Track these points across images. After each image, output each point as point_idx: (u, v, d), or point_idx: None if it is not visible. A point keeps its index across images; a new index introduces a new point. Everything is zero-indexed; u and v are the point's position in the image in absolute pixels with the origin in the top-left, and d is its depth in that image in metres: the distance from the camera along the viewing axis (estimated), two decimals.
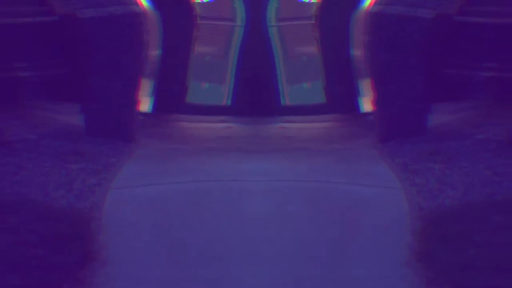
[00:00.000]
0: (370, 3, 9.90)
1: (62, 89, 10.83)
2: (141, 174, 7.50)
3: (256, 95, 10.80)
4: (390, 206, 6.47)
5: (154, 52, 10.40)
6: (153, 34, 10.04)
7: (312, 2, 11.10)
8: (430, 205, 6.47)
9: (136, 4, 9.60)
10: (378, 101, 9.83)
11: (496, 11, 10.58)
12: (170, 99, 10.93)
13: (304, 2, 11.21)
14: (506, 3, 10.47)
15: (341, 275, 4.74)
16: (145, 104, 10.22)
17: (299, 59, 11.30)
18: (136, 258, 5.18)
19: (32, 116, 10.08)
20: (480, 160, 7.81)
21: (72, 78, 10.54)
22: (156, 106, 10.76)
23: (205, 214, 6.10)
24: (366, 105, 10.56)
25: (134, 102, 9.61)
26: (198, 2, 10.96)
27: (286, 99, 10.96)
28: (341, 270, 4.86)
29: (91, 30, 9.46)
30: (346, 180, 7.20)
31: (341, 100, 11.07)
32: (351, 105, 10.95)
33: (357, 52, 10.55)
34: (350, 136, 10.17)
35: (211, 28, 11.00)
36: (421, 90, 9.49)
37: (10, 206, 6.13)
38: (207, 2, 11.04)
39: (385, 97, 9.66)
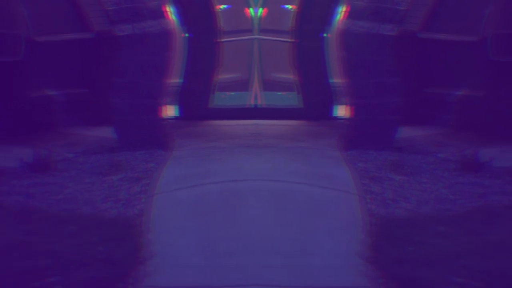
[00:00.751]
0: (341, 18, 10.17)
1: (90, 105, 11.19)
2: (182, 177, 7.89)
3: None
4: (345, 209, 6.83)
5: (180, 64, 10.82)
6: (179, 48, 10.43)
7: (292, 11, 11.50)
8: (381, 212, 6.79)
9: (167, 21, 9.89)
10: (351, 108, 9.98)
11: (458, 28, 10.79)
12: (196, 105, 11.50)
13: (287, 9, 11.67)
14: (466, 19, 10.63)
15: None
16: (172, 110, 10.69)
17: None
18: (179, 251, 5.82)
19: (64, 136, 10.40)
20: (439, 178, 8.06)
21: (101, 95, 10.86)
22: (183, 111, 11.31)
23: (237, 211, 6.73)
24: (340, 110, 10.93)
25: (162, 110, 9.83)
26: (219, 10, 11.39)
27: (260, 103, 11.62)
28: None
29: (125, 46, 9.67)
30: (308, 182, 7.57)
31: (317, 105, 11.49)
32: (326, 111, 11.36)
33: (333, 66, 10.85)
34: (319, 136, 10.42)
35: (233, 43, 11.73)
36: (392, 103, 9.68)
37: (62, 219, 6.55)
38: (225, 8, 11.51)
39: (357, 105, 9.86)
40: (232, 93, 11.79)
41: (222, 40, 11.32)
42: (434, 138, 10.11)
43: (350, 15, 9.79)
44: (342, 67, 9.86)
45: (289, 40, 11.41)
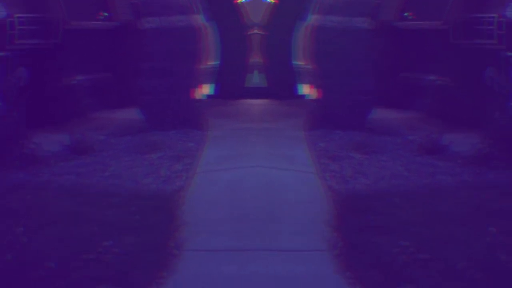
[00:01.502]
0: (314, 13, 10.61)
1: (115, 89, 11.84)
2: (221, 158, 8.46)
3: None
4: (306, 187, 7.32)
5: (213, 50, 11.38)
6: (210, 40, 10.95)
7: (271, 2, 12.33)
8: (341, 188, 7.29)
9: (195, 16, 10.37)
10: (318, 90, 10.44)
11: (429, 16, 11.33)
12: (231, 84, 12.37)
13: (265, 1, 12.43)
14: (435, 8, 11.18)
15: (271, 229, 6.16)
16: (207, 89, 11.28)
17: None
18: (210, 220, 6.33)
19: (91, 119, 10.97)
20: (399, 157, 8.65)
21: (126, 79, 11.52)
22: (219, 90, 12.07)
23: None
24: (305, 89, 11.44)
25: (192, 90, 10.25)
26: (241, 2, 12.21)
27: None
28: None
29: (151, 38, 10.19)
30: (269, 165, 8.09)
31: (281, 85, 12.32)
32: (290, 90, 12.16)
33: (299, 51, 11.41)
34: (286, 116, 11.12)
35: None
36: (362, 86, 10.18)
37: (108, 193, 7.09)
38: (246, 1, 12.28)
39: (326, 87, 10.29)
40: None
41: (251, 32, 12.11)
42: (408, 122, 10.66)
43: (323, 10, 10.25)
44: (312, 56, 10.33)
45: (261, 33, 12.18)
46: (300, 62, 11.08)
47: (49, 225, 6.14)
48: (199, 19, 10.47)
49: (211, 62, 11.11)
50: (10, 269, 5.21)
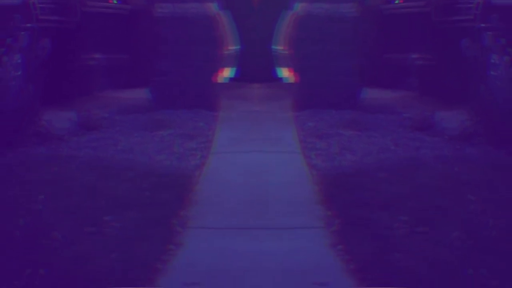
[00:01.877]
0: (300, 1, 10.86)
1: (129, 72, 12.14)
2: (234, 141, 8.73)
3: None
4: (292, 167, 7.53)
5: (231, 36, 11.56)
6: (226, 27, 11.20)
7: None
8: (327, 165, 7.47)
9: (208, 5, 10.62)
10: (302, 72, 10.72)
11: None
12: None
13: None
14: None
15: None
16: (228, 72, 11.43)
17: None
18: (221, 201, 6.51)
19: (96, 98, 11.27)
20: (390, 133, 8.95)
21: (140, 62, 11.82)
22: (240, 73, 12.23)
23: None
24: (284, 72, 11.59)
25: (204, 76, 10.57)
26: None
27: None
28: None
29: (164, 24, 10.49)
30: (256, 149, 8.32)
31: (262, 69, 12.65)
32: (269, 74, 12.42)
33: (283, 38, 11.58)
34: (274, 98, 11.46)
35: None
36: (352, 65, 10.50)
37: (122, 167, 7.33)
38: None
39: (310, 68, 10.59)
40: None
41: None
42: (401, 100, 11.04)
43: None
44: (295, 41, 10.67)
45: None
46: (282, 46, 11.36)
47: (66, 196, 6.41)
48: (213, 7, 10.80)
49: (231, 47, 11.37)
50: (19, 234, 5.44)
